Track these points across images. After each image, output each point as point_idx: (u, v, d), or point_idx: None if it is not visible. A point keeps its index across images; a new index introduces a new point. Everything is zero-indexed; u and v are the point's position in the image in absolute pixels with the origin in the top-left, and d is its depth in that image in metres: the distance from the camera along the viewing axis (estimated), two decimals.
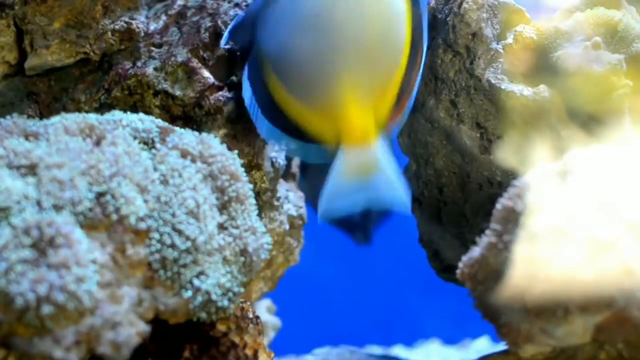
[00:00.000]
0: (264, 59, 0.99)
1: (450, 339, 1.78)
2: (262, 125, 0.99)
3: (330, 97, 0.93)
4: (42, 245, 0.69)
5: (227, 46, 1.03)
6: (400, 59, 0.96)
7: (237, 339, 0.85)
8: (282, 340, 1.46)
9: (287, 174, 1.22)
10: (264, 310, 1.51)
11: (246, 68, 1.01)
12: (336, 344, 1.45)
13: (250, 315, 0.88)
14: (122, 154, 0.77)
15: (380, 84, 0.94)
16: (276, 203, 1.13)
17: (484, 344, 1.73)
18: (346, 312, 1.92)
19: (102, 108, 1.02)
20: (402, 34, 0.96)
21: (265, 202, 1.10)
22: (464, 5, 1.02)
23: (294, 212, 1.17)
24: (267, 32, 0.98)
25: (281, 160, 1.11)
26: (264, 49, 0.99)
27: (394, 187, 0.91)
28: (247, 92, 0.99)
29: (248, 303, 0.89)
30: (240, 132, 1.05)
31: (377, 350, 1.65)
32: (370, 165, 0.91)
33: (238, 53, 1.04)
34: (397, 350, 1.72)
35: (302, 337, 1.50)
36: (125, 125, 0.82)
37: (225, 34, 1.02)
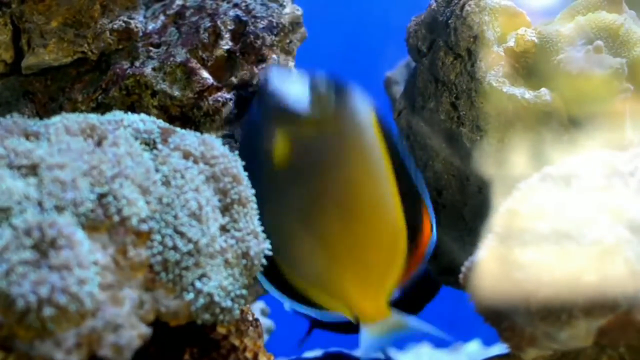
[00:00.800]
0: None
1: (441, 343, 1.78)
2: (285, 301, 1.00)
3: (336, 286, 0.95)
4: (44, 247, 0.68)
5: None
6: (396, 218, 0.96)
7: (237, 342, 0.85)
8: (276, 343, 1.46)
9: None
10: (258, 313, 1.51)
11: None
12: (327, 347, 1.45)
13: (250, 318, 0.88)
14: (124, 154, 0.77)
15: (382, 261, 0.95)
16: None
17: (475, 348, 1.73)
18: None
19: (100, 108, 1.02)
20: (389, 188, 0.96)
21: None
22: (466, 7, 1.02)
23: None
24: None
25: None
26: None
27: (422, 328, 0.95)
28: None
29: (247, 306, 0.89)
30: (239, 133, 1.05)
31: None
32: (392, 331, 0.94)
33: None
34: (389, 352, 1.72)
35: (294, 340, 1.50)
36: (126, 125, 0.81)
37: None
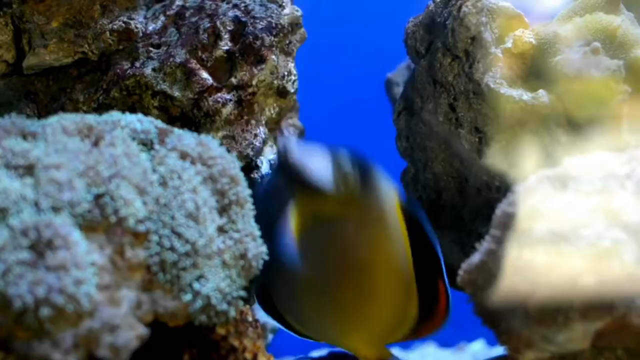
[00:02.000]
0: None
1: (446, 342, 1.78)
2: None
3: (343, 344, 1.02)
4: (40, 247, 0.68)
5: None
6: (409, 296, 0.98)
7: (236, 343, 0.85)
8: (282, 342, 1.45)
9: None
10: (263, 313, 1.50)
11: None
12: (333, 347, 1.44)
13: (250, 319, 0.88)
14: (121, 155, 0.77)
15: (390, 317, 0.98)
16: None
17: (479, 347, 1.73)
18: None
19: (101, 108, 1.02)
20: (406, 268, 0.97)
21: None
22: (464, 9, 1.02)
23: None
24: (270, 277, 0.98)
25: None
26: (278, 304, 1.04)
27: None
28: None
29: (247, 306, 0.88)
30: (239, 133, 1.05)
31: None
32: None
33: None
34: (393, 352, 1.71)
35: (299, 340, 1.49)
36: (124, 126, 0.81)
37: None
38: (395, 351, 1.71)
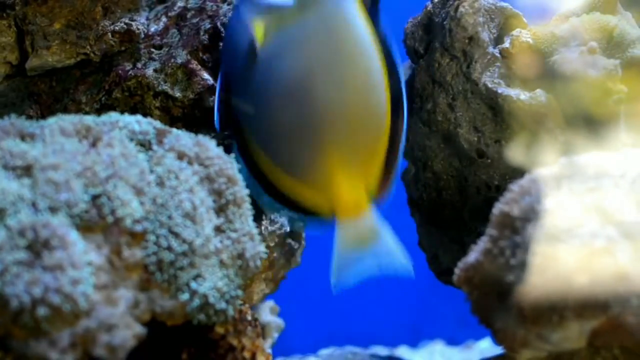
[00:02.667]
0: (248, 133, 0.97)
1: (454, 340, 1.78)
2: (260, 198, 0.96)
3: (319, 172, 0.91)
4: (37, 247, 0.69)
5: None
6: (384, 121, 0.94)
7: (235, 342, 0.85)
8: (290, 340, 1.46)
9: None
10: (268, 312, 1.51)
11: (234, 143, 0.99)
12: (342, 345, 1.45)
13: (249, 318, 0.88)
14: (118, 155, 0.77)
15: (367, 151, 0.93)
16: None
17: (487, 345, 1.73)
18: (351, 314, 1.92)
19: (103, 109, 1.03)
20: (383, 95, 0.93)
21: None
22: (460, 9, 1.02)
23: None
24: (247, 106, 0.95)
25: None
26: (245, 122, 0.97)
27: (394, 255, 0.92)
28: (241, 168, 0.91)
29: (246, 305, 0.88)
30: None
31: (382, 350, 1.66)
32: (368, 235, 0.92)
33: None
34: (402, 350, 1.72)
35: (309, 338, 1.50)
36: (122, 127, 0.82)
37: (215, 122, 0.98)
38: (403, 349, 1.72)
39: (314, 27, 0.91)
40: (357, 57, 0.92)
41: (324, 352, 1.41)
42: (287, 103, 0.91)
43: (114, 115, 0.84)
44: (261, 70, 0.92)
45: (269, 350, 1.33)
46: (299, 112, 0.91)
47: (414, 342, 1.77)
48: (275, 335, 1.46)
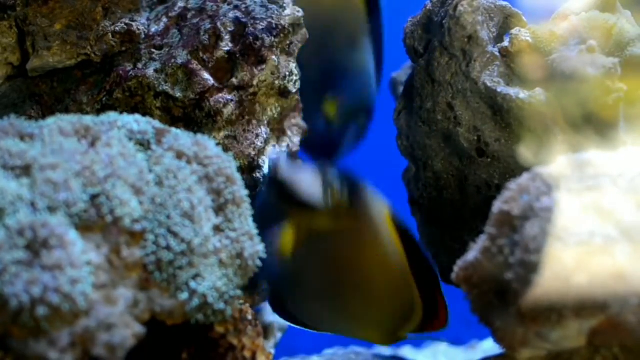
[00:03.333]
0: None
1: (458, 340, 1.78)
2: None
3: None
4: (36, 247, 0.69)
5: None
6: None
7: (235, 341, 0.85)
8: (294, 340, 1.46)
9: None
10: (271, 311, 1.50)
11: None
12: (345, 345, 1.45)
13: (249, 317, 0.88)
14: (117, 155, 0.77)
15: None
16: None
17: (491, 345, 1.72)
18: None
19: (104, 109, 1.03)
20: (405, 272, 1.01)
21: None
22: (460, 8, 1.02)
23: None
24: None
25: None
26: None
27: None
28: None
29: (247, 305, 0.88)
30: (240, 133, 1.05)
31: (385, 350, 1.65)
32: None
33: None
34: (406, 351, 1.72)
35: (313, 338, 1.50)
36: (121, 126, 0.82)
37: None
38: (407, 349, 1.72)
39: (344, 241, 1.00)
40: (385, 263, 1.00)
41: (328, 352, 1.41)
42: (325, 302, 1.04)
43: (112, 115, 0.84)
44: (288, 269, 1.01)
45: (273, 350, 1.33)
46: (335, 309, 1.03)
47: (417, 342, 1.77)
48: (279, 335, 1.46)
